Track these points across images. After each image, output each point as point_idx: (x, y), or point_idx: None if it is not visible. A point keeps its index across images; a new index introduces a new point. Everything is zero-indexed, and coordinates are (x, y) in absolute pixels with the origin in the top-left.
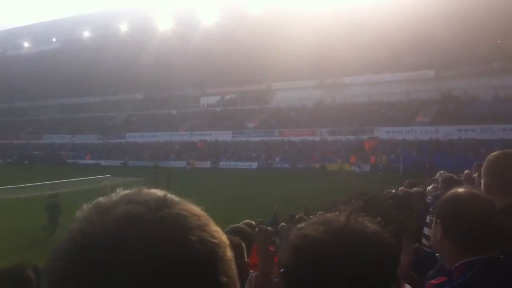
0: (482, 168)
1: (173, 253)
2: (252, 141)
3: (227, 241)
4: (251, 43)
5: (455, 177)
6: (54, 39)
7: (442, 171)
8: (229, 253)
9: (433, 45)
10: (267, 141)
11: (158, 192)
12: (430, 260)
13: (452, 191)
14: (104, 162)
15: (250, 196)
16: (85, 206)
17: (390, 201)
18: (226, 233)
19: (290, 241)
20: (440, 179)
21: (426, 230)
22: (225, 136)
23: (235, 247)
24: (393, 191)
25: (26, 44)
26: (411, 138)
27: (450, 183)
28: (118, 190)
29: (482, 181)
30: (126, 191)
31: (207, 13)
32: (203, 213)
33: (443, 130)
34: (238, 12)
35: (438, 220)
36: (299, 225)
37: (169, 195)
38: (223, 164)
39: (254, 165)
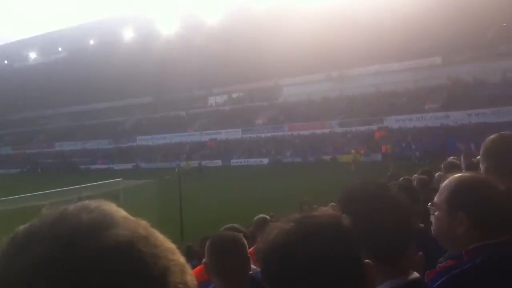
0: (481, 152)
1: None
2: (262, 137)
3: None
4: (256, 40)
5: (457, 162)
6: (60, 49)
7: (452, 157)
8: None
9: (438, 31)
10: (277, 136)
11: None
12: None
13: (459, 177)
14: (116, 166)
15: (263, 193)
16: (36, 219)
17: (397, 187)
18: (222, 231)
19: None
20: (442, 166)
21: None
22: (235, 134)
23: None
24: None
25: (32, 55)
26: (421, 126)
27: (452, 168)
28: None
29: (482, 165)
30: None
31: (210, 13)
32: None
33: (454, 115)
34: (240, 9)
35: (454, 209)
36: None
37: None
38: (234, 161)
39: (265, 161)
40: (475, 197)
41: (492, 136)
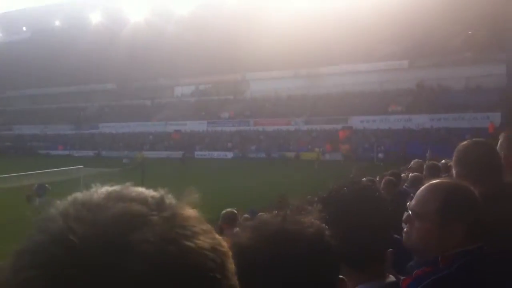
0: (454, 158)
1: (188, 261)
2: (227, 131)
3: (229, 251)
4: (226, 33)
5: (439, 164)
6: (24, 28)
7: (416, 160)
8: (232, 264)
9: (406, 35)
10: (242, 131)
11: (148, 191)
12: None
13: (446, 184)
14: (76, 153)
15: (230, 189)
16: (60, 202)
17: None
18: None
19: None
20: (425, 166)
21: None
22: (200, 126)
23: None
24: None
25: None
26: (384, 127)
27: (435, 170)
28: (94, 185)
29: (454, 171)
30: (108, 187)
31: (181, 2)
32: (201, 217)
33: (416, 119)
34: (212, 1)
35: (447, 219)
36: (235, 230)
37: (165, 194)
38: (198, 154)
39: (230, 155)
40: (470, 206)
41: (465, 142)
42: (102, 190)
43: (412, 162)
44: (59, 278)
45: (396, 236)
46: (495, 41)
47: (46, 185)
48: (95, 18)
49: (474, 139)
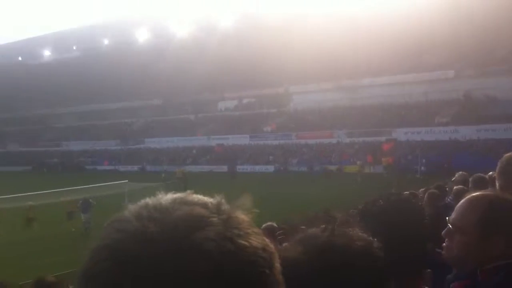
0: (497, 170)
1: (243, 258)
2: (270, 144)
3: (276, 252)
4: (268, 47)
5: (486, 177)
6: (74, 47)
7: (461, 172)
8: (278, 263)
9: (452, 45)
10: (285, 144)
11: (207, 197)
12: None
13: (487, 197)
14: (121, 168)
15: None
16: (132, 206)
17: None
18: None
19: None
20: (470, 179)
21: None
22: (242, 140)
23: None
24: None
25: (46, 53)
26: (430, 139)
27: (481, 182)
28: (159, 194)
29: (497, 183)
30: (173, 194)
31: (223, 18)
32: (251, 221)
33: (463, 130)
34: (254, 16)
35: (488, 233)
36: (283, 245)
37: (221, 200)
38: (240, 168)
39: (271, 168)
40: (510, 218)
41: (508, 154)
42: (168, 196)
43: (456, 175)
44: (134, 269)
45: (437, 250)
46: None
47: (90, 200)
48: (142, 36)
49: None
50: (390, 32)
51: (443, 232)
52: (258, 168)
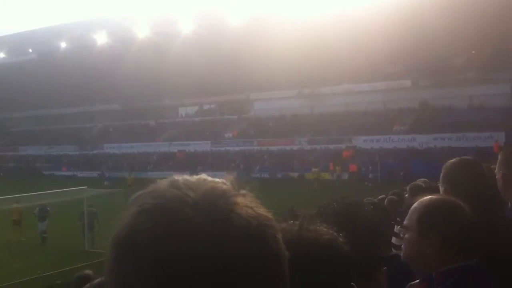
0: (442, 175)
1: (263, 221)
2: (231, 151)
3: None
4: (230, 53)
5: (423, 185)
6: (30, 50)
7: (423, 179)
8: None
9: (409, 55)
10: (246, 150)
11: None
12: (406, 268)
13: (429, 198)
14: (80, 174)
15: None
16: (159, 182)
17: (372, 207)
18: None
19: None
20: (408, 187)
21: (393, 239)
22: (204, 146)
23: None
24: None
25: (1, 55)
26: (388, 147)
27: (417, 191)
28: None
29: (441, 188)
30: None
31: (185, 23)
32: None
33: (420, 138)
34: (216, 21)
35: (425, 230)
36: None
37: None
38: (201, 174)
39: (233, 175)
40: (445, 217)
41: (452, 160)
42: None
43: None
44: (180, 230)
45: (397, 252)
46: (498, 60)
47: (48, 208)
48: (100, 39)
49: (461, 157)
50: (349, 42)
51: (396, 232)
52: (220, 174)
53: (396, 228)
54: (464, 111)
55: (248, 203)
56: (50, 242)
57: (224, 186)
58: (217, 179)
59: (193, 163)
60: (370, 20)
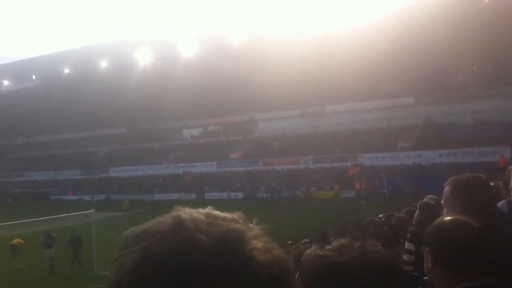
0: (453, 192)
1: (278, 264)
2: (237, 171)
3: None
4: (232, 75)
5: (432, 202)
6: (34, 77)
7: (430, 196)
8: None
9: (412, 72)
10: (252, 171)
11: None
12: (419, 283)
13: (439, 219)
14: (87, 197)
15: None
16: (161, 219)
17: (386, 228)
18: None
19: (310, 268)
20: (418, 205)
21: (404, 256)
22: (209, 167)
23: None
24: (381, 216)
25: (5, 82)
26: (394, 164)
27: (427, 209)
28: (176, 208)
29: (451, 204)
30: (196, 210)
31: (187, 46)
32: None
33: (426, 154)
34: (218, 43)
35: (427, 249)
36: (317, 252)
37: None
38: (209, 195)
39: (240, 195)
40: (442, 236)
41: (463, 176)
42: (193, 212)
43: (425, 198)
44: (191, 279)
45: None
46: (501, 75)
47: (53, 234)
48: (103, 64)
49: (470, 174)
50: (351, 61)
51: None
52: (226, 195)
53: (407, 245)
54: (468, 127)
55: (264, 244)
56: (58, 267)
57: (238, 227)
58: (227, 214)
59: (199, 185)
60: (372, 39)
